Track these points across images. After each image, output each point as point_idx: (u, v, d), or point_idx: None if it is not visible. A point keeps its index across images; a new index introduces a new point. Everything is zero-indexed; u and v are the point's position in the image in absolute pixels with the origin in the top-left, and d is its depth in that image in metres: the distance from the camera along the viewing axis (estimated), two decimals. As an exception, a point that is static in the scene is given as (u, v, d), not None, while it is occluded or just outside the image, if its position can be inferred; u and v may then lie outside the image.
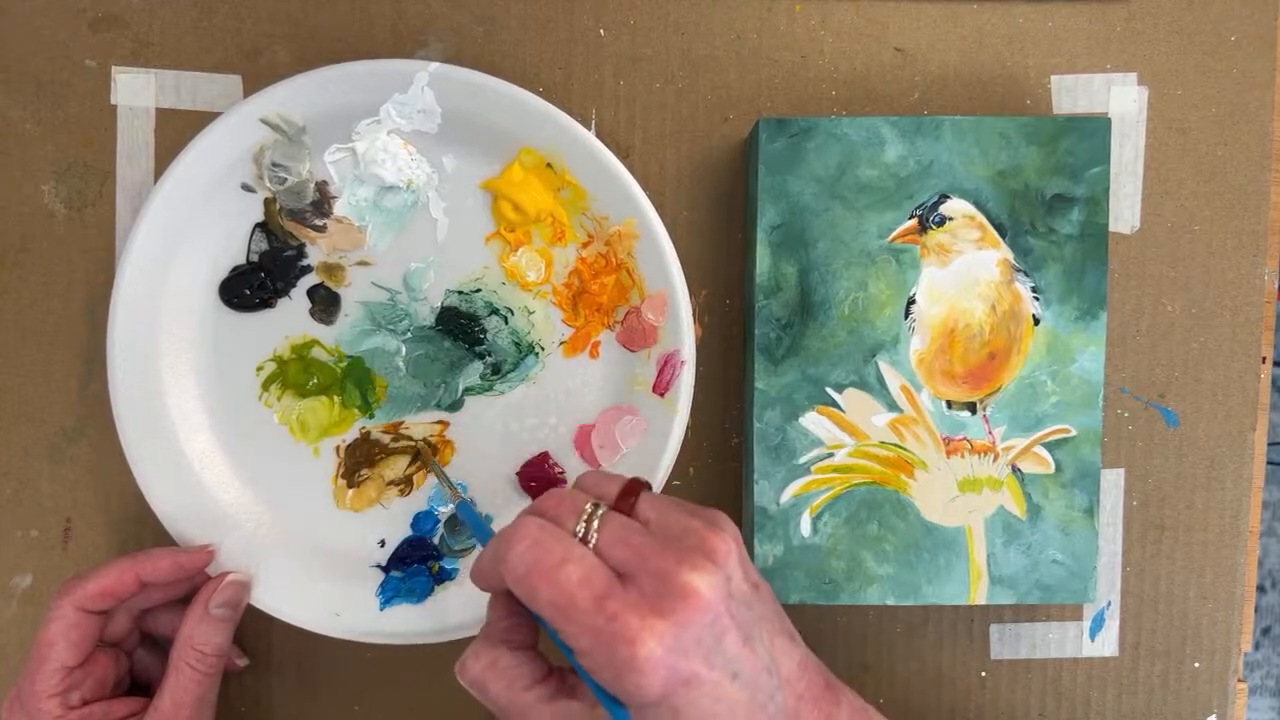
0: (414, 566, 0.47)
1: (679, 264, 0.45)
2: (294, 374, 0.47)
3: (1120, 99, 0.48)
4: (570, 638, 0.32)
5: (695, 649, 0.32)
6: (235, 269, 0.47)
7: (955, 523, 0.44)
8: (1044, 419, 0.44)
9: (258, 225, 0.46)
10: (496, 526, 0.47)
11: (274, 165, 0.45)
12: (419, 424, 0.47)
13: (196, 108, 0.47)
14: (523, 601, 0.34)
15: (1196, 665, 0.49)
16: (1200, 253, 0.48)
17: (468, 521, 0.44)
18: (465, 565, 0.47)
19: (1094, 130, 0.43)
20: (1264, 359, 0.49)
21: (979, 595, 0.45)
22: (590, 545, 0.34)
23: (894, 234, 0.44)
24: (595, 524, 0.34)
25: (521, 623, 0.37)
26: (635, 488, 0.36)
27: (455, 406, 0.47)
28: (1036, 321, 0.44)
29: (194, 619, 0.43)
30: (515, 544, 0.33)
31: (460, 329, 0.47)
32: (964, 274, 0.44)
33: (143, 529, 0.48)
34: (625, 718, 0.32)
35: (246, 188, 0.46)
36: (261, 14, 0.47)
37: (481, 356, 0.47)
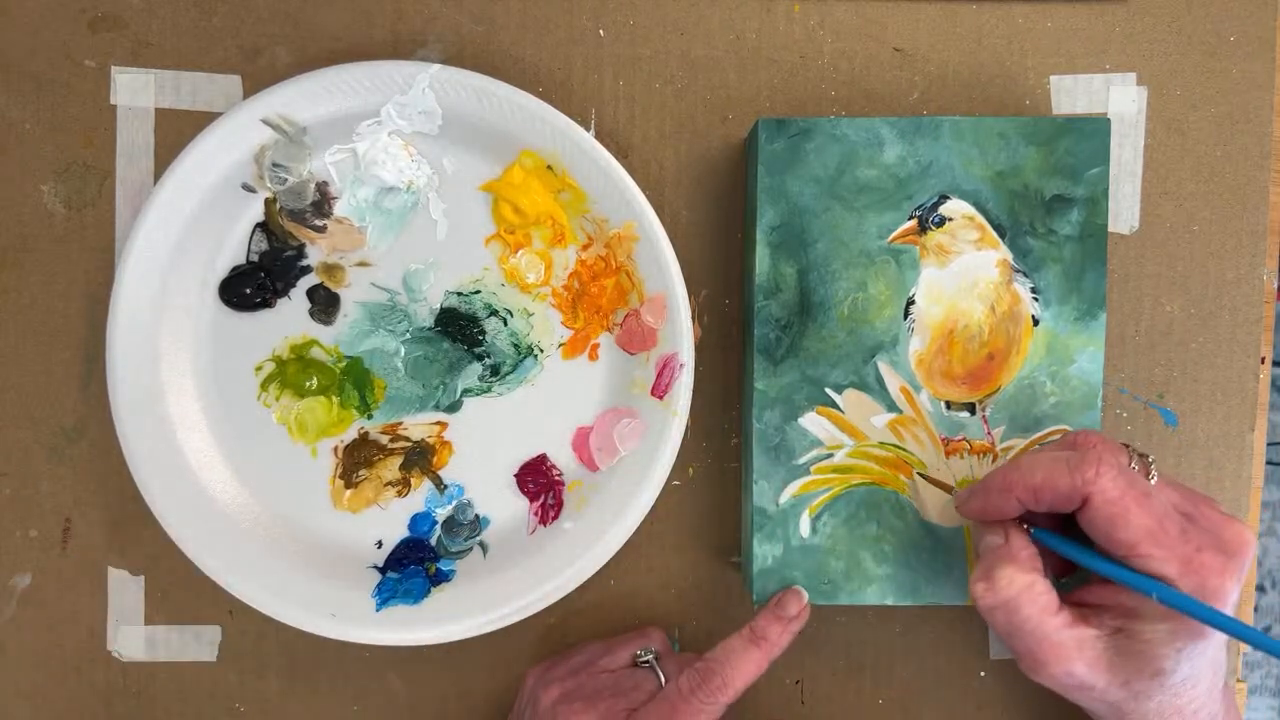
0: (411, 568, 0.47)
1: (679, 268, 0.45)
2: (293, 374, 0.47)
3: (1120, 99, 0.48)
4: (1156, 562, 0.35)
5: (1240, 591, 0.36)
6: (235, 269, 0.47)
7: (954, 523, 0.44)
8: (1043, 420, 0.44)
9: (258, 225, 0.46)
10: (496, 529, 0.47)
11: (275, 165, 0.46)
12: (417, 425, 0.47)
13: (196, 108, 0.47)
14: (1093, 524, 0.36)
15: (1196, 666, 0.49)
16: (1200, 253, 0.48)
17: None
18: (462, 567, 0.47)
19: (1093, 131, 0.43)
20: (1263, 359, 0.49)
21: (978, 596, 0.45)
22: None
23: (893, 234, 0.44)
24: (1152, 467, 0.38)
25: (1042, 551, 0.39)
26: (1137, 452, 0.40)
27: (454, 408, 0.47)
28: (1036, 322, 0.44)
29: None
30: (1104, 469, 0.36)
31: (459, 330, 0.47)
32: (963, 275, 0.44)
33: (143, 529, 0.48)
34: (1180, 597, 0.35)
35: (247, 188, 0.46)
36: (261, 14, 0.47)
37: (480, 358, 0.47)
